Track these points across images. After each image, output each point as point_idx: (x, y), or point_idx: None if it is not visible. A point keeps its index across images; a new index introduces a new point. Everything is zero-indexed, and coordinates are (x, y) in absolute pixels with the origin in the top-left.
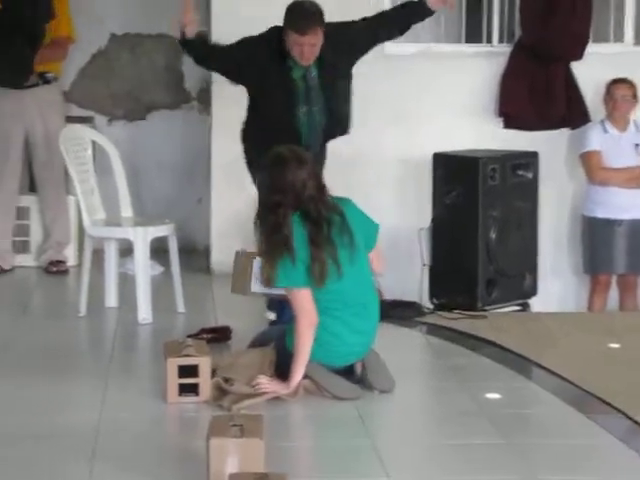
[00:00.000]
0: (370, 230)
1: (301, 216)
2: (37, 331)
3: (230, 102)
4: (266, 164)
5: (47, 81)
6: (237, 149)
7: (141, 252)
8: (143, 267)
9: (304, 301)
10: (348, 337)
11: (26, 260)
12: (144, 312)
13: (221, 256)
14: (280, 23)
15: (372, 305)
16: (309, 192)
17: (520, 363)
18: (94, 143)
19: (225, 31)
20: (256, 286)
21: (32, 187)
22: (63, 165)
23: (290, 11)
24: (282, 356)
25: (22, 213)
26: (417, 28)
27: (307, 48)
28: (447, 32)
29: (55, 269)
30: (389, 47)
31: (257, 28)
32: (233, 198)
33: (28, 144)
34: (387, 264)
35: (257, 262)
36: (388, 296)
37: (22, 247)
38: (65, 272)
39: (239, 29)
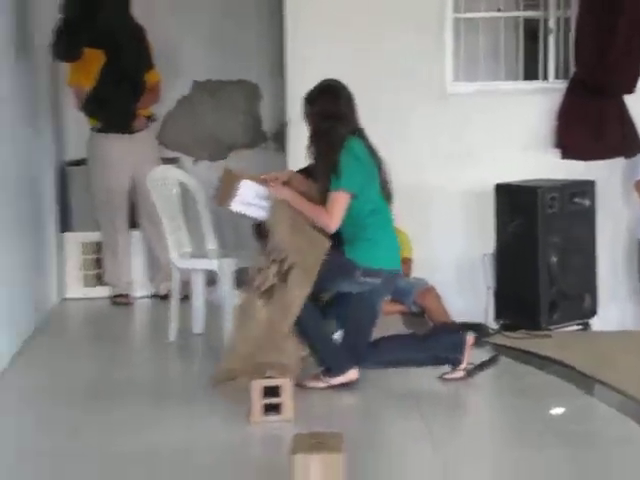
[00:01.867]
0: None
1: (358, 138)
2: (131, 358)
3: (303, 141)
4: (315, 94)
5: (153, 121)
6: None
7: (226, 282)
8: (228, 295)
9: (342, 205)
10: (393, 238)
11: (105, 291)
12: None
13: None
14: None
15: None
16: (357, 118)
17: (582, 380)
18: (180, 182)
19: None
20: (236, 205)
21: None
22: None
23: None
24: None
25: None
26: (478, 68)
27: None
28: (507, 70)
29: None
30: (451, 87)
31: None
32: None
33: (135, 184)
34: (454, 288)
35: (246, 185)
36: (456, 318)
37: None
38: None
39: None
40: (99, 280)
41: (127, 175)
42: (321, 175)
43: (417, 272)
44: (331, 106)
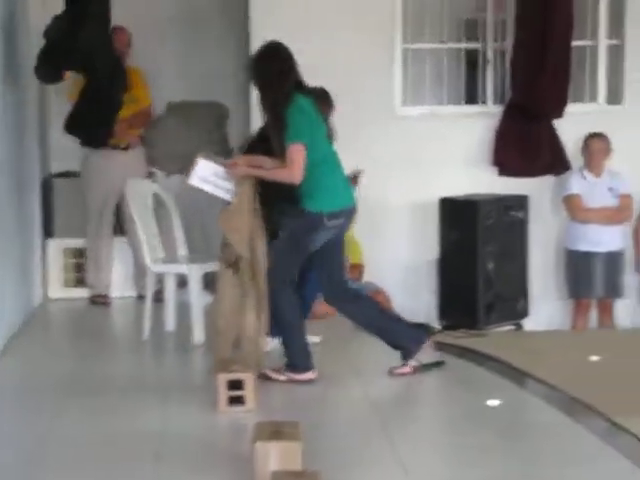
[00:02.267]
0: None
1: (302, 93)
2: (109, 353)
3: None
4: (256, 57)
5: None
6: None
7: (195, 284)
8: (197, 297)
9: (300, 157)
10: (340, 180)
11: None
12: (198, 334)
13: None
14: None
15: None
16: (299, 74)
17: (515, 375)
18: (154, 194)
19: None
20: (193, 179)
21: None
22: None
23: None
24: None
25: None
26: (424, 92)
27: None
28: (450, 95)
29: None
30: (400, 110)
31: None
32: None
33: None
34: (402, 291)
35: (202, 162)
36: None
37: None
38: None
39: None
40: (79, 282)
41: (117, 187)
42: (272, 130)
43: (368, 276)
44: (271, 65)
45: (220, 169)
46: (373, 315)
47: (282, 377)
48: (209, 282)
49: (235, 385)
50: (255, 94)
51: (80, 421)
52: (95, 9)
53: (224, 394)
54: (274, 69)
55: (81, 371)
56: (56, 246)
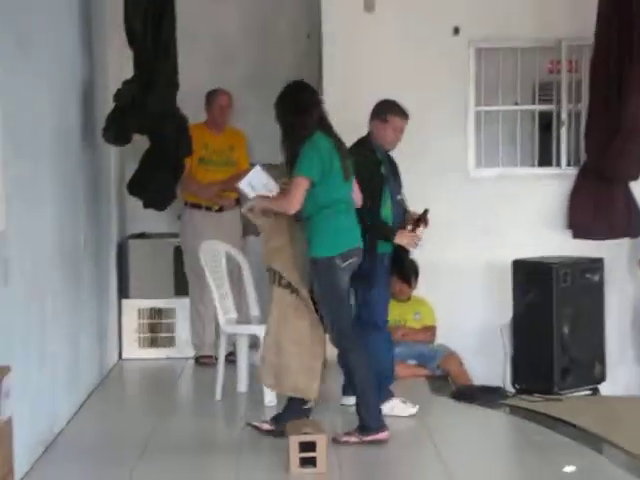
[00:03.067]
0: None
1: (324, 132)
2: (183, 413)
3: None
4: (280, 95)
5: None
6: None
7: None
8: None
9: (300, 190)
10: (347, 222)
11: (173, 352)
12: (269, 396)
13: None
14: None
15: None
16: (324, 113)
17: (592, 440)
18: (228, 255)
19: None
20: (243, 184)
21: (177, 291)
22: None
23: (386, 101)
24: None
25: (170, 313)
26: (497, 155)
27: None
28: (523, 157)
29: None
30: (473, 172)
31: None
32: None
33: None
34: (475, 354)
35: (257, 170)
36: (476, 382)
37: (169, 342)
38: None
39: None
40: (153, 342)
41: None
42: (287, 167)
43: (440, 339)
44: (293, 104)
45: (272, 183)
46: (364, 373)
47: (353, 439)
48: None
49: (307, 447)
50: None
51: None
52: (163, 74)
53: (296, 456)
54: (294, 107)
55: (156, 430)
56: (131, 306)
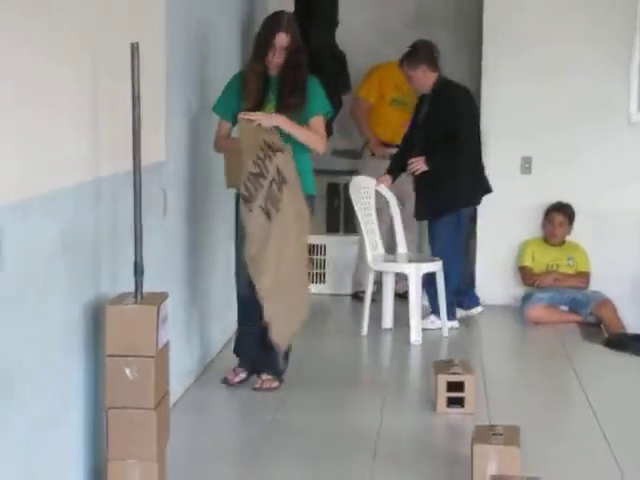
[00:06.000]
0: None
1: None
2: (329, 347)
3: None
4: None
5: None
6: None
7: (414, 284)
8: (416, 297)
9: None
10: None
11: (323, 289)
12: (415, 334)
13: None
14: None
15: None
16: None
17: None
18: (376, 191)
19: None
20: None
21: (329, 228)
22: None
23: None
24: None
25: (321, 250)
26: None
27: None
28: None
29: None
30: (635, 116)
31: None
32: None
33: None
34: (630, 302)
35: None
36: (631, 330)
37: (320, 278)
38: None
39: None
40: None
41: None
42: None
43: (594, 285)
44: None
45: None
46: None
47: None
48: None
49: (455, 387)
50: None
51: (300, 413)
52: (321, 10)
53: (443, 395)
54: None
55: (302, 363)
56: None
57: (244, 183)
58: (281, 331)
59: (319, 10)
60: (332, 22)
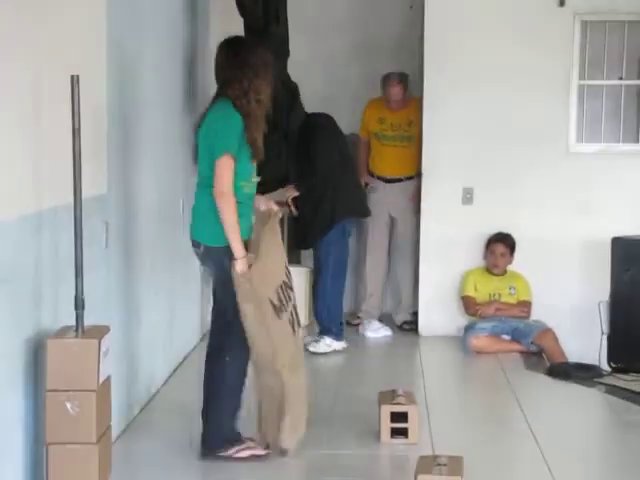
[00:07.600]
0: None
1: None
2: None
3: None
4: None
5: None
6: None
7: None
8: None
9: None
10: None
11: None
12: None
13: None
14: None
15: None
16: None
17: None
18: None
19: None
20: None
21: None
22: None
23: None
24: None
25: None
26: (598, 130)
27: None
28: (625, 133)
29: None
30: (574, 146)
31: None
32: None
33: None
34: (570, 332)
35: None
36: (572, 359)
37: None
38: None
39: None
40: None
41: (386, 214)
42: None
43: (536, 314)
44: None
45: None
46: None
47: None
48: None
49: (399, 417)
50: None
51: None
52: (273, 42)
53: (387, 426)
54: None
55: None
56: None
57: (277, 292)
58: (293, 436)
59: (270, 41)
60: (283, 53)
